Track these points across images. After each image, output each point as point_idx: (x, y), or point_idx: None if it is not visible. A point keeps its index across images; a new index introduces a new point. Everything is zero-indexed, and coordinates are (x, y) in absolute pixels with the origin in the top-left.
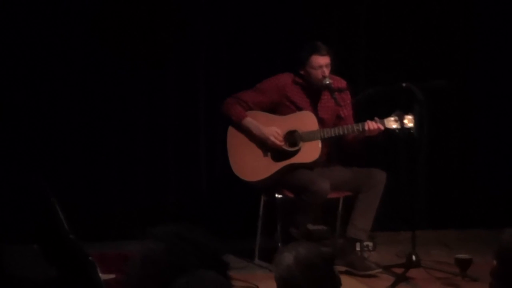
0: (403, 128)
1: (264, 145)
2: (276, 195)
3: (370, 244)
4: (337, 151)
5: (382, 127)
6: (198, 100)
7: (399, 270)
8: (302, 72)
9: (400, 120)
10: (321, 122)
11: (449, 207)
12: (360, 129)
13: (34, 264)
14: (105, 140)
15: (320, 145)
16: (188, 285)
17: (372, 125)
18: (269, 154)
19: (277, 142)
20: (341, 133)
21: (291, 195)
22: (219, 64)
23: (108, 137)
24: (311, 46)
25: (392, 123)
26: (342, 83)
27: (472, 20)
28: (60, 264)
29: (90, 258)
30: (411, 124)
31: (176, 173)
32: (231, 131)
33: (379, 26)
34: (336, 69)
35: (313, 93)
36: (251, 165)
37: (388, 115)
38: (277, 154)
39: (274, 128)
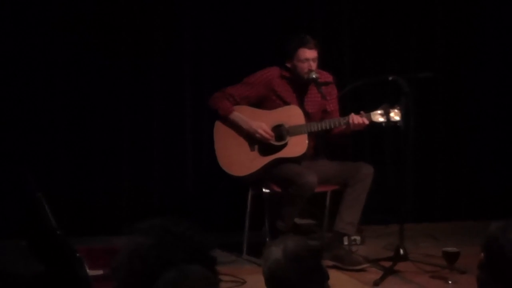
0: (389, 121)
1: (251, 139)
2: (264, 190)
3: (358, 238)
4: (324, 144)
5: (366, 121)
6: (184, 94)
7: (387, 264)
8: (288, 65)
9: (386, 113)
10: (308, 116)
11: (436, 200)
12: (346, 122)
13: (22, 260)
14: (91, 135)
15: (306, 139)
16: (175, 280)
17: (356, 118)
18: (256, 148)
19: (266, 135)
20: (327, 127)
21: (278, 189)
22: (205, 59)
23: (95, 132)
24: (299, 39)
25: (378, 117)
26: (328, 77)
27: (459, 11)
28: (48, 260)
29: (77, 254)
30: (397, 118)
31: (163, 168)
32: (218, 126)
33: (364, 19)
34: (321, 63)
35: (300, 87)
36: (238, 160)
37: (375, 108)
38: (264, 148)
39: (262, 123)
